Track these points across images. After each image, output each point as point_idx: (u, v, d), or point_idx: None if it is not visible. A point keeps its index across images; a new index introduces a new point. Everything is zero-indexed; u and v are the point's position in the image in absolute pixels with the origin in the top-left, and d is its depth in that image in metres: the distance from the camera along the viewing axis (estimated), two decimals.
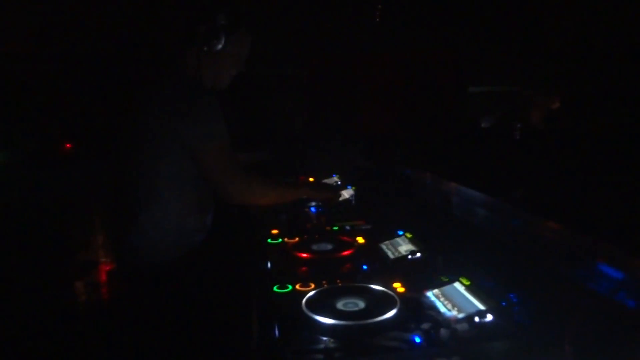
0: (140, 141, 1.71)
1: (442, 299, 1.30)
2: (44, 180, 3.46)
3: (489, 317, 1.18)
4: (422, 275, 1.48)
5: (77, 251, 3.52)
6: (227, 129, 1.72)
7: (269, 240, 1.90)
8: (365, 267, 1.60)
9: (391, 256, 1.68)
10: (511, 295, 1.29)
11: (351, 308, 1.27)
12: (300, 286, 1.43)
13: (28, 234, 3.36)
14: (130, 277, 1.84)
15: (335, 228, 2.04)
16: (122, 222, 1.78)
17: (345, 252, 1.71)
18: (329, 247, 1.76)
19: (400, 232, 1.85)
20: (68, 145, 3.98)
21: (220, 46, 1.74)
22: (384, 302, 1.27)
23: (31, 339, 2.83)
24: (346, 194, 2.51)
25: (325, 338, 1.15)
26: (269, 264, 1.66)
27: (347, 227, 2.04)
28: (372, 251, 1.74)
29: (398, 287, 1.40)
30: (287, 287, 1.43)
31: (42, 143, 3.67)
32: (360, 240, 1.85)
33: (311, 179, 2.88)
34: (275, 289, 1.43)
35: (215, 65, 1.79)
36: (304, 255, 1.69)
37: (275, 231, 1.99)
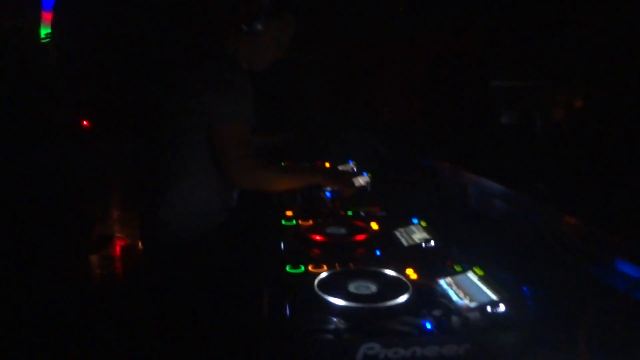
0: (174, 117, 1.74)
1: (454, 288, 1.29)
2: (62, 155, 3.51)
3: (502, 308, 1.17)
4: (435, 263, 1.47)
5: (94, 225, 3.57)
6: (252, 114, 1.72)
7: (283, 221, 1.90)
8: (378, 252, 1.59)
9: (405, 244, 1.68)
10: (525, 287, 1.28)
11: (363, 291, 1.27)
12: (312, 267, 1.43)
13: (46, 207, 3.42)
14: (152, 252, 1.87)
15: (350, 213, 2.04)
16: (150, 196, 1.81)
17: (359, 237, 1.70)
18: (343, 231, 1.76)
19: (415, 221, 1.84)
20: (85, 122, 4.03)
21: (260, 27, 1.74)
22: (396, 287, 1.27)
23: (46, 312, 2.89)
24: (362, 180, 2.50)
25: (336, 319, 1.15)
26: (282, 245, 1.66)
27: (362, 213, 2.03)
28: (386, 237, 1.74)
29: (411, 273, 1.40)
30: (300, 268, 1.43)
31: (61, 119, 3.72)
32: (374, 226, 1.85)
33: (327, 164, 2.87)
34: (287, 269, 1.43)
35: (254, 47, 1.79)
36: (318, 237, 1.69)
37: (289, 213, 1.99)
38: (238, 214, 1.89)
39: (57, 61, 3.75)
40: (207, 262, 1.78)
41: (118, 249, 3.48)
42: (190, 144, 1.71)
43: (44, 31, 3.98)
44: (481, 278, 1.32)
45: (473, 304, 1.20)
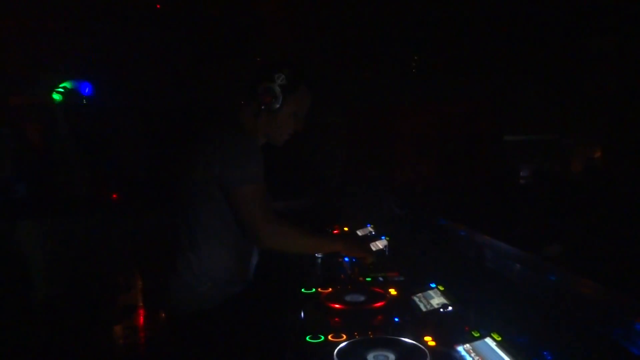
0: (187, 188, 1.79)
1: (472, 354, 1.30)
2: (91, 226, 3.61)
3: None
4: (454, 329, 1.48)
5: (118, 295, 3.62)
6: (264, 175, 1.77)
7: (302, 289, 1.93)
8: (397, 319, 1.61)
9: (423, 309, 1.69)
10: (545, 352, 1.28)
11: None
12: (332, 337, 1.45)
13: (73, 277, 3.49)
14: (167, 322, 1.90)
15: (369, 279, 2.06)
16: (162, 267, 1.86)
17: (378, 304, 1.72)
18: (362, 298, 1.78)
19: (433, 285, 1.85)
20: (114, 195, 4.16)
21: (278, 105, 1.81)
22: (414, 355, 1.28)
23: None
24: (380, 244, 2.53)
25: None
26: (302, 314, 1.69)
27: (380, 279, 2.05)
28: (404, 303, 1.75)
29: (429, 340, 1.41)
30: (320, 338, 1.45)
31: (93, 191, 3.85)
32: (392, 291, 1.87)
33: (345, 229, 2.91)
34: (307, 339, 1.45)
35: (273, 124, 1.85)
36: (337, 306, 1.72)
37: (309, 281, 2.02)
38: (256, 285, 1.92)
39: (68, 132, 3.85)
40: (224, 334, 1.80)
41: (142, 319, 3.51)
42: (199, 216, 1.76)
43: (64, 83, 4.00)
44: (499, 344, 1.33)
45: None
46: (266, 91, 1.80)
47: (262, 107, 1.81)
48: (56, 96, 3.75)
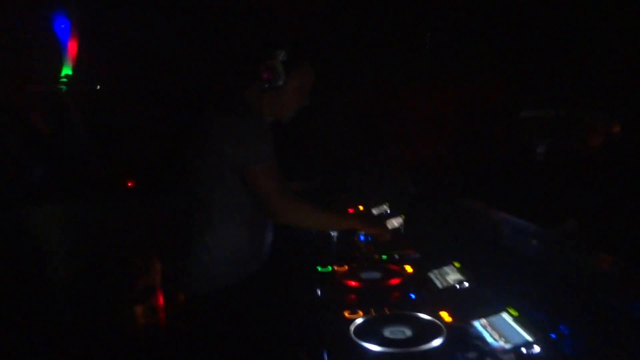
0: (199, 171, 1.81)
1: (489, 329, 1.31)
2: (109, 210, 3.66)
3: (537, 349, 1.18)
4: (470, 304, 1.48)
5: (138, 277, 3.68)
6: (275, 152, 1.77)
7: (318, 267, 1.95)
8: (413, 295, 1.62)
9: (439, 285, 1.70)
10: (561, 327, 1.28)
11: (398, 336, 1.30)
12: (349, 313, 1.47)
13: (94, 261, 3.55)
14: (188, 303, 1.94)
15: (384, 257, 2.07)
16: (179, 249, 1.89)
17: (394, 281, 1.73)
18: (378, 275, 1.80)
19: (448, 262, 1.86)
20: (130, 183, 4.20)
21: (281, 82, 1.81)
22: (430, 330, 1.29)
23: None
24: (395, 222, 2.53)
25: None
26: (318, 292, 1.71)
27: (396, 256, 2.06)
28: (420, 280, 1.76)
29: (445, 316, 1.42)
30: (337, 315, 1.47)
31: (109, 176, 3.89)
32: (408, 269, 1.88)
33: (361, 208, 2.92)
34: (324, 316, 1.47)
35: (278, 101, 1.85)
36: (353, 283, 1.73)
37: (325, 259, 2.03)
38: (271, 264, 1.94)
39: (79, 118, 3.84)
40: (241, 312, 1.83)
41: (161, 299, 3.57)
42: (213, 197, 1.77)
43: (65, 71, 3.92)
44: (516, 319, 1.33)
45: (508, 346, 1.21)
46: (268, 69, 1.80)
47: (266, 86, 1.81)
48: (63, 87, 3.75)
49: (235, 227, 1.80)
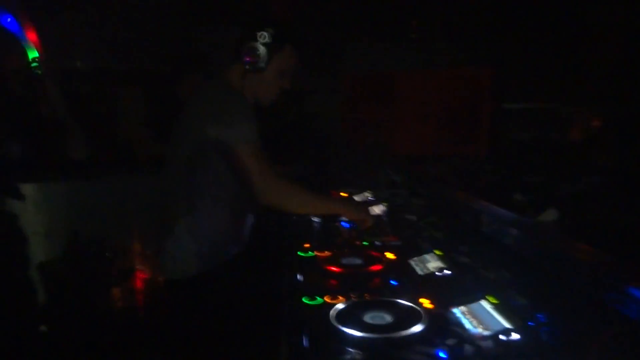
0: (180, 151, 1.79)
1: (468, 316, 1.32)
2: (82, 190, 3.60)
3: (515, 336, 1.19)
4: (450, 292, 1.49)
5: (116, 258, 3.64)
6: (258, 134, 1.75)
7: (299, 252, 1.94)
8: (393, 282, 1.62)
9: (420, 272, 1.70)
10: (539, 315, 1.29)
11: (379, 322, 1.30)
12: (329, 299, 1.47)
13: (68, 241, 3.50)
14: (166, 285, 1.92)
15: (366, 243, 2.07)
16: (161, 231, 1.87)
17: (375, 267, 1.74)
18: (359, 261, 1.79)
19: (430, 250, 1.87)
20: (103, 158, 4.12)
21: (262, 65, 1.79)
22: (410, 316, 1.30)
23: (69, 346, 2.94)
24: (377, 209, 2.54)
25: (352, 350, 1.18)
26: (298, 276, 1.70)
27: (377, 243, 2.07)
28: (401, 267, 1.77)
29: (425, 303, 1.42)
30: (317, 299, 1.47)
31: (90, 153, 3.80)
32: (389, 255, 1.88)
33: (343, 194, 2.92)
34: (304, 300, 1.47)
35: (259, 82, 1.84)
36: (334, 268, 1.73)
37: (306, 245, 2.03)
38: (252, 247, 1.93)
39: (59, 94, 3.74)
40: (221, 296, 1.82)
41: (139, 282, 3.54)
42: (195, 178, 1.76)
43: (32, 54, 3.78)
44: (495, 306, 1.35)
45: (487, 332, 1.22)
46: (250, 51, 1.78)
47: (247, 67, 1.79)
48: (37, 72, 3.64)
49: (217, 209, 1.78)
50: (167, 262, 1.85)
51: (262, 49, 1.77)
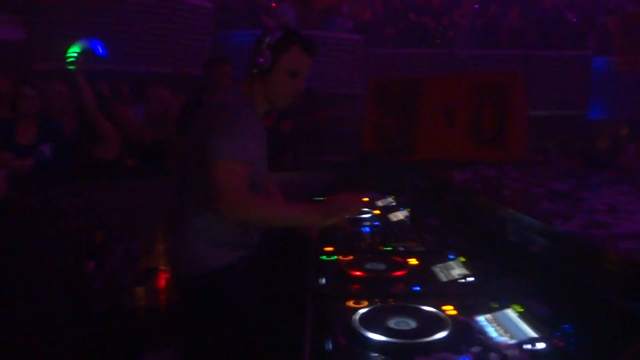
0: (186, 155, 1.85)
1: (493, 324, 1.31)
2: (109, 192, 3.67)
3: (541, 345, 1.18)
4: (475, 299, 1.48)
5: (139, 258, 3.69)
6: (248, 151, 1.74)
7: (322, 257, 1.95)
8: (417, 288, 1.62)
9: (443, 279, 1.70)
10: (565, 325, 1.28)
11: (403, 327, 1.30)
12: (353, 303, 1.47)
13: (94, 241, 3.56)
14: (178, 285, 1.95)
15: (389, 248, 2.07)
16: (170, 232, 1.91)
17: (398, 273, 1.73)
18: (382, 266, 1.80)
19: (453, 256, 1.86)
20: (130, 162, 4.20)
21: (268, 65, 1.80)
22: (435, 323, 1.29)
23: (93, 345, 3.00)
24: (401, 215, 2.54)
25: (376, 354, 1.19)
26: (323, 280, 1.71)
27: (401, 248, 2.06)
28: (424, 273, 1.76)
29: (449, 309, 1.42)
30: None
31: (109, 158, 3.87)
32: (413, 261, 1.88)
33: (366, 199, 2.91)
34: (329, 304, 1.47)
35: (268, 84, 1.84)
36: (358, 273, 1.73)
37: (329, 248, 2.04)
38: (270, 249, 1.94)
39: (90, 95, 3.80)
40: (242, 297, 1.84)
41: (163, 281, 3.58)
42: (197, 181, 1.78)
43: (73, 49, 3.82)
44: (521, 315, 1.34)
45: (512, 341, 1.21)
46: (255, 53, 1.81)
47: (255, 71, 1.81)
48: (71, 67, 3.70)
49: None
50: (175, 262, 1.90)
51: (265, 50, 1.79)
